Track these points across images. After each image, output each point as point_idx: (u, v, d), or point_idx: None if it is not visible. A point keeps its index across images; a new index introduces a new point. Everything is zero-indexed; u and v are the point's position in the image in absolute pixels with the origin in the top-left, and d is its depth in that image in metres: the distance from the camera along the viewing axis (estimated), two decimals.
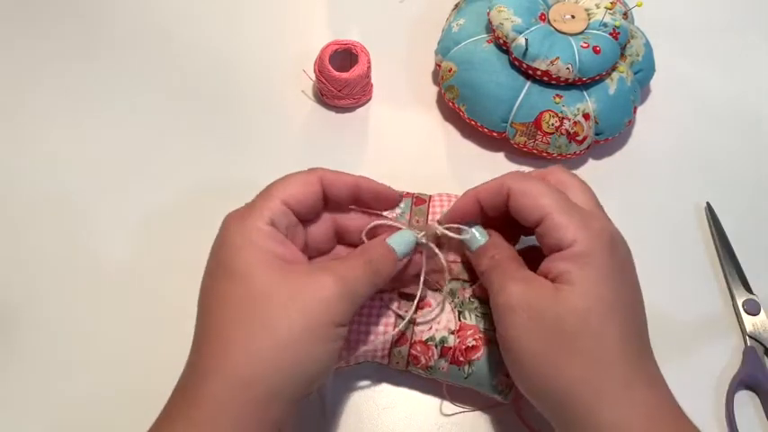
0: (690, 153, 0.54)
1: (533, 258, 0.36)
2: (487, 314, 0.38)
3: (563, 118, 0.49)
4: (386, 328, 0.39)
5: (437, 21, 0.57)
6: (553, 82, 0.49)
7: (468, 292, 0.40)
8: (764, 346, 0.45)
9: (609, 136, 0.51)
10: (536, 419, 0.39)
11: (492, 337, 0.37)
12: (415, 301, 0.38)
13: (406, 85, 0.57)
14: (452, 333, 0.39)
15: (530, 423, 0.40)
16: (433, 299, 0.39)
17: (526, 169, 0.51)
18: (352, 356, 0.38)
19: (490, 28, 0.51)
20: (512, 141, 0.51)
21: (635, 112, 0.53)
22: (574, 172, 0.51)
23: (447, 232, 0.37)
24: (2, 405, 0.41)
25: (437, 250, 0.37)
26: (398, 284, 0.39)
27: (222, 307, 0.31)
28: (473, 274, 0.39)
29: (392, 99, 0.56)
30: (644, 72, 0.53)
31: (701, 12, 0.63)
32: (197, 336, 0.32)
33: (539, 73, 0.49)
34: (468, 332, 0.39)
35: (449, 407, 0.42)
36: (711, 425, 0.42)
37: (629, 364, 0.31)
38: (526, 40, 0.48)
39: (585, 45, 0.49)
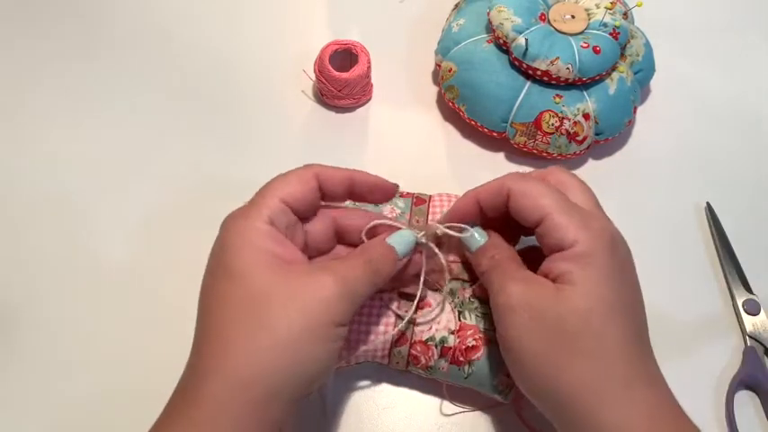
0: (690, 153, 0.54)
1: (533, 258, 0.36)
2: (487, 314, 0.38)
3: (563, 118, 0.49)
4: (386, 328, 0.39)
5: (437, 21, 0.58)
6: (553, 82, 0.49)
7: (468, 292, 0.40)
8: (764, 346, 0.45)
9: (609, 136, 0.51)
10: (536, 419, 0.39)
11: (492, 337, 0.37)
12: (415, 301, 0.38)
13: (406, 85, 0.57)
14: (452, 333, 0.39)
15: (530, 423, 0.40)
16: (433, 299, 0.39)
17: (526, 169, 0.51)
18: (352, 356, 0.38)
19: (490, 28, 0.51)
20: (512, 141, 0.51)
21: (635, 112, 0.53)
22: (574, 172, 0.52)
23: (448, 231, 0.37)
24: (2, 405, 0.41)
25: (437, 250, 0.37)
26: (398, 284, 0.39)
27: (222, 307, 0.31)
28: (473, 274, 0.39)
29: (392, 99, 0.56)
30: (644, 72, 0.53)
31: (701, 12, 0.63)
32: (197, 336, 0.32)
33: (539, 73, 0.49)
34: (469, 332, 0.39)
35: (449, 407, 0.42)
36: (711, 425, 0.42)
37: (630, 363, 0.31)
38: (526, 40, 0.48)
39: (585, 45, 0.49)
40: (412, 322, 0.39)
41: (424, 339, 0.39)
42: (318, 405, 0.42)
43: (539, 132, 0.49)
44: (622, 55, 0.52)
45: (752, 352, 0.44)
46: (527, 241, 0.39)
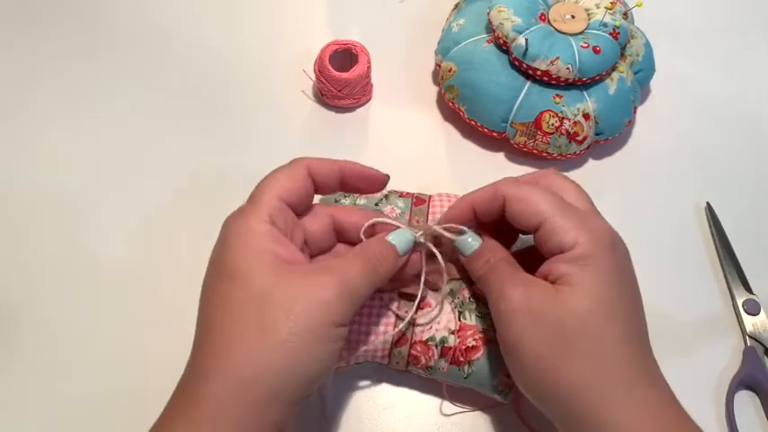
0: (690, 153, 0.54)
1: (529, 260, 0.36)
2: (487, 314, 0.38)
3: (563, 118, 0.49)
4: (386, 329, 0.39)
5: (437, 21, 0.58)
6: (553, 82, 0.49)
7: (468, 292, 0.40)
8: (764, 346, 0.45)
9: (609, 136, 0.51)
10: (536, 419, 0.39)
11: (492, 337, 0.37)
12: (416, 302, 0.38)
13: (406, 85, 0.57)
14: (452, 333, 0.39)
15: (530, 423, 0.40)
16: (433, 299, 0.39)
17: (527, 169, 0.52)
18: (352, 356, 0.38)
19: (490, 28, 0.51)
20: (512, 141, 0.51)
21: (635, 112, 0.53)
22: (574, 172, 0.52)
23: (444, 233, 0.37)
24: (2, 405, 0.41)
25: (435, 250, 0.37)
26: (398, 285, 0.39)
27: (223, 307, 0.31)
28: None
29: (392, 99, 0.56)
30: (644, 72, 0.53)
31: (701, 12, 0.63)
32: (198, 336, 0.32)
33: (539, 73, 0.49)
34: (469, 332, 0.39)
35: (449, 407, 0.42)
36: (711, 425, 0.42)
37: (631, 363, 0.31)
38: (526, 40, 0.48)
39: (585, 45, 0.49)
40: (412, 322, 0.39)
41: (424, 339, 0.39)
42: (318, 405, 0.42)
43: (539, 132, 0.49)
44: (622, 55, 0.52)
45: (752, 352, 0.44)
46: (521, 243, 0.39)
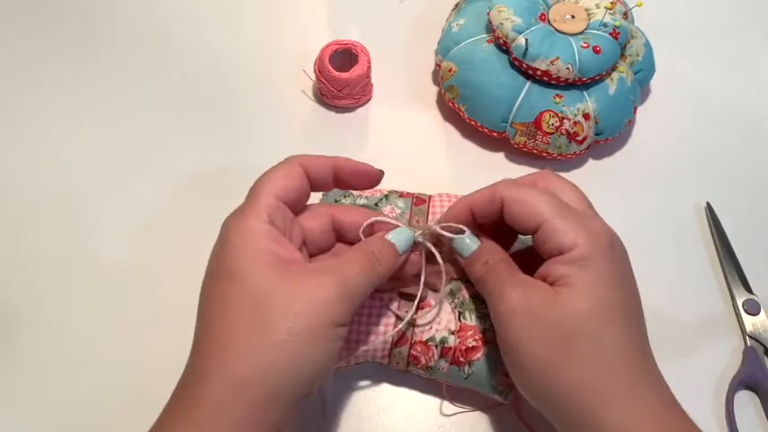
0: (690, 153, 0.54)
1: (527, 261, 0.36)
2: (488, 314, 0.38)
3: (563, 118, 0.49)
4: (386, 329, 0.39)
5: (437, 21, 0.58)
6: (553, 82, 0.49)
7: (468, 293, 0.40)
8: (764, 346, 0.45)
9: (609, 136, 0.51)
10: (536, 420, 0.39)
11: (492, 337, 0.37)
12: (416, 302, 0.38)
13: (406, 85, 0.57)
14: (453, 333, 0.39)
15: (530, 423, 0.40)
16: (433, 299, 0.39)
17: (527, 169, 0.52)
18: (352, 356, 0.38)
19: (490, 28, 0.51)
20: (512, 141, 0.51)
21: (635, 112, 0.53)
22: (574, 172, 0.52)
23: (444, 232, 0.37)
24: (2, 405, 0.41)
25: (434, 250, 0.37)
26: (398, 284, 0.39)
27: (222, 308, 0.31)
28: None
29: (392, 99, 0.56)
30: (644, 72, 0.53)
31: (701, 12, 0.63)
32: (197, 336, 0.32)
33: (539, 73, 0.49)
34: (469, 332, 0.39)
35: (449, 407, 0.42)
36: (711, 425, 0.42)
37: (631, 364, 0.31)
38: (526, 40, 0.48)
39: (585, 45, 0.49)
40: (412, 323, 0.39)
41: (424, 340, 0.39)
42: (318, 405, 0.41)
43: (539, 132, 0.49)
44: (622, 55, 0.52)
45: (752, 352, 0.44)
46: (520, 244, 0.39)
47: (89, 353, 0.43)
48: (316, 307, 0.31)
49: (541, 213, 0.33)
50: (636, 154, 0.54)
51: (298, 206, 0.36)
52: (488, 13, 0.51)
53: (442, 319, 0.39)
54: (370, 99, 0.56)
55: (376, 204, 0.43)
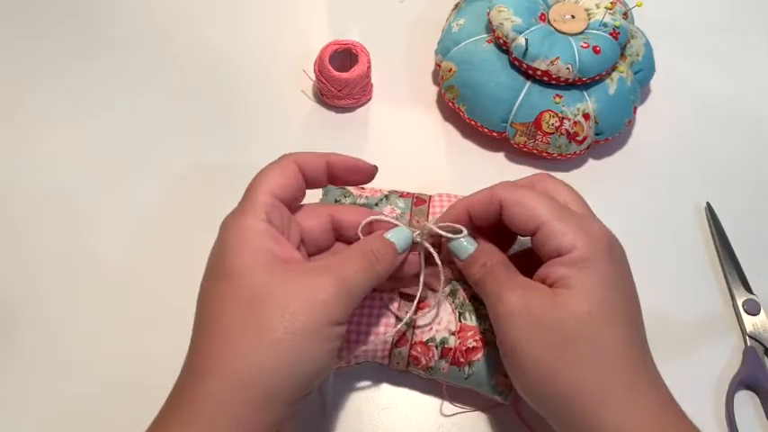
0: (690, 153, 0.54)
1: (526, 264, 0.35)
2: (488, 315, 0.38)
3: (563, 118, 0.49)
4: (386, 329, 0.38)
5: (437, 21, 0.57)
6: (553, 82, 0.49)
7: (468, 293, 0.40)
8: (764, 346, 0.44)
9: (609, 136, 0.51)
10: (536, 420, 0.39)
11: (492, 338, 0.37)
12: (416, 302, 0.38)
13: (406, 85, 0.57)
14: (453, 334, 0.39)
15: (530, 423, 0.40)
16: (433, 299, 0.39)
17: (527, 169, 0.52)
18: (352, 357, 0.38)
19: (490, 28, 0.51)
20: (512, 141, 0.51)
21: (635, 112, 0.53)
22: (574, 172, 0.52)
23: (442, 232, 0.36)
24: (2, 405, 0.41)
25: (432, 250, 0.37)
26: (398, 285, 0.39)
27: (220, 307, 0.31)
28: None
29: (392, 99, 0.56)
30: (644, 72, 0.53)
31: (701, 12, 0.63)
32: (195, 335, 0.32)
33: (539, 73, 0.49)
34: (469, 333, 0.39)
35: (449, 407, 0.42)
36: (711, 425, 0.42)
37: (630, 365, 0.31)
38: (526, 40, 0.48)
39: (585, 45, 0.49)
40: (412, 323, 0.39)
41: (424, 340, 0.39)
42: (318, 405, 0.42)
43: (539, 132, 0.49)
44: (622, 55, 0.52)
45: (752, 352, 0.44)
46: (518, 245, 0.39)
47: (89, 353, 0.43)
48: (313, 306, 0.31)
49: (540, 215, 0.33)
50: (636, 154, 0.54)
51: (294, 204, 0.36)
52: (488, 13, 0.51)
53: (442, 320, 0.39)
54: (370, 99, 0.56)
55: (376, 204, 0.43)
